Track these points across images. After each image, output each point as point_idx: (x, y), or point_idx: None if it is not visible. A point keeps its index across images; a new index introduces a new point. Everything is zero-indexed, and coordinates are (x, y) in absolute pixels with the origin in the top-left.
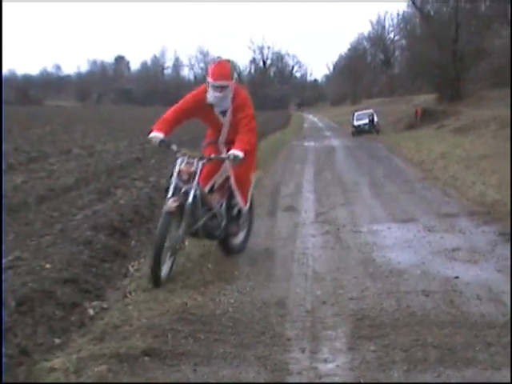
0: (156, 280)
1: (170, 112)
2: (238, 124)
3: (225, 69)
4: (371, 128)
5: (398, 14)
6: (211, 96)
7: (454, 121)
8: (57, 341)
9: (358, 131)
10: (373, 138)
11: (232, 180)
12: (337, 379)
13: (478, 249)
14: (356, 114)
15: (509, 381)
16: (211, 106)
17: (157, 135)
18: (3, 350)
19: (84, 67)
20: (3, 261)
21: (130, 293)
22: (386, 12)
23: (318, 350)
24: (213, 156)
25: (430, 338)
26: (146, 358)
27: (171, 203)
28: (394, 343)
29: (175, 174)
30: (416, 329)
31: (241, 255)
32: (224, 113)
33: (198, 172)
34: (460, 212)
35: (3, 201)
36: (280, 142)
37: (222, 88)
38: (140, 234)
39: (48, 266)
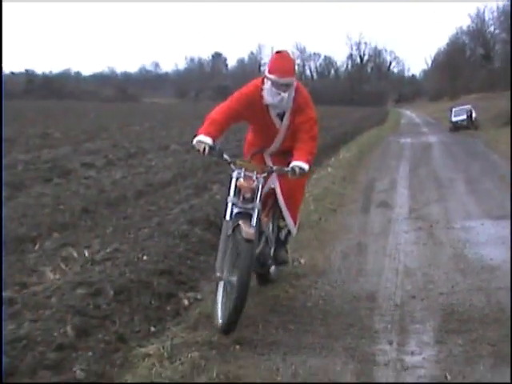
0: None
1: (219, 112)
2: (297, 129)
3: (290, 63)
4: (469, 124)
5: (497, 8)
6: (272, 96)
7: None
8: (152, 329)
9: (456, 127)
10: (471, 134)
11: (281, 197)
12: (423, 372)
13: None
14: (454, 109)
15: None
16: (267, 107)
17: (205, 140)
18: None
19: (182, 64)
20: (100, 252)
21: None
22: (486, 5)
23: (406, 343)
24: (275, 168)
25: None
26: (237, 347)
27: (249, 229)
28: (482, 338)
29: (232, 191)
30: (506, 324)
31: (334, 250)
32: (281, 116)
33: (260, 188)
34: None
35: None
36: (377, 138)
37: (286, 86)
38: None
39: (145, 257)
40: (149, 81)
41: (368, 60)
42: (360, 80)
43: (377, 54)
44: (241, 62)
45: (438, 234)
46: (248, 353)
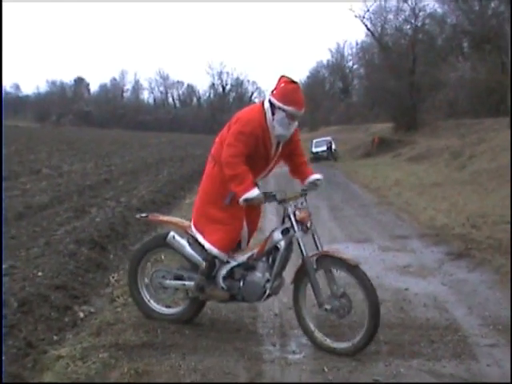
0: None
1: (241, 164)
2: (295, 145)
3: (302, 95)
4: (329, 155)
5: (356, 44)
6: (284, 127)
7: (410, 150)
8: (55, 338)
9: (317, 158)
10: (331, 165)
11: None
12: (303, 367)
13: (426, 266)
14: (314, 141)
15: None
16: (270, 137)
17: (256, 193)
18: (3, 350)
19: (43, 88)
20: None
21: (117, 297)
22: (345, 41)
23: (287, 344)
24: (305, 187)
25: (382, 337)
26: (142, 349)
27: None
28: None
29: (296, 226)
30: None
31: None
32: (277, 144)
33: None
34: (412, 234)
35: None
36: None
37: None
38: (117, 248)
39: (40, 273)
40: (9, 103)
41: (230, 90)
42: (222, 109)
43: (239, 84)
44: (103, 87)
45: None
46: (152, 353)
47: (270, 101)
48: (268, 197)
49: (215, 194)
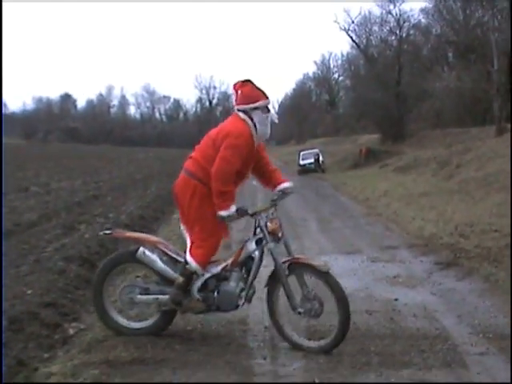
0: None
1: (230, 182)
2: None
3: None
4: (317, 167)
5: (342, 55)
6: (266, 123)
7: (397, 160)
8: (45, 355)
9: (304, 170)
10: (318, 177)
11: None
12: (294, 380)
13: (415, 276)
14: (302, 153)
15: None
16: (253, 141)
17: (232, 210)
18: (3, 352)
19: (29, 104)
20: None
21: None
22: (331, 53)
23: (278, 357)
24: (276, 198)
25: (373, 347)
26: (132, 364)
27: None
28: (342, 351)
29: (268, 237)
30: (360, 340)
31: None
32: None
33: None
34: (400, 244)
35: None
36: None
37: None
38: None
39: (29, 291)
40: None
41: (217, 104)
42: (209, 123)
43: (226, 98)
44: (90, 103)
45: None
46: (142, 369)
47: (241, 111)
48: (241, 212)
49: (202, 209)
